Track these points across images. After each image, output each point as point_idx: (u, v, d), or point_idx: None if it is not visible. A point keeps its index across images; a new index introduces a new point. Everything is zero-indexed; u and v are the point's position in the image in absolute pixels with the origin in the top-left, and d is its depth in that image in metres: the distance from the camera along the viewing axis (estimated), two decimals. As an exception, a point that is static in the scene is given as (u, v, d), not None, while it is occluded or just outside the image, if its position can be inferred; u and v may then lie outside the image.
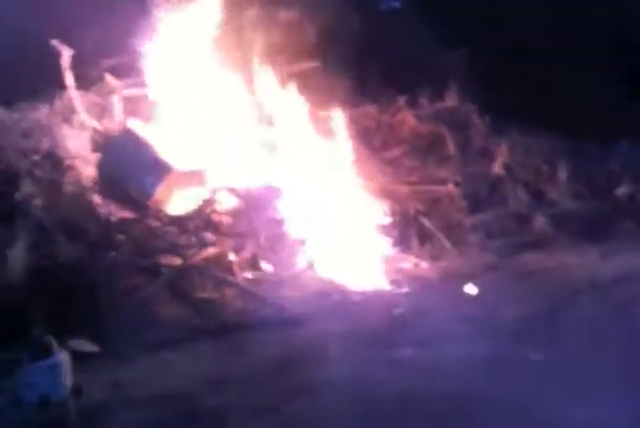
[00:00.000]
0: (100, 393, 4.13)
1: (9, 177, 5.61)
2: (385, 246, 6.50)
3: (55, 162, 5.98)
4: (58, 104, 6.71)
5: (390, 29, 10.50)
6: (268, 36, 8.44)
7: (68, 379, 4.11)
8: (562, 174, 7.67)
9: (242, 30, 7.91)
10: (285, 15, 9.76)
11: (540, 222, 7.00)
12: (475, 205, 7.38)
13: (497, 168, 7.69)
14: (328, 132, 7.76)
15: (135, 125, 6.59)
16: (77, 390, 4.08)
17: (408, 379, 3.87)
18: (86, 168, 6.09)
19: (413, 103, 8.39)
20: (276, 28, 9.59)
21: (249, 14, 8.27)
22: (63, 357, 4.16)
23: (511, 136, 8.11)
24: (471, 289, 5.65)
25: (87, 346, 4.81)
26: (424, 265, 6.38)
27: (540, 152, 8.03)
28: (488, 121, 8.22)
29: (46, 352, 4.13)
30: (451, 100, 8.34)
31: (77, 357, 4.38)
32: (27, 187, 5.56)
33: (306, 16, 9.89)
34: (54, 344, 4.19)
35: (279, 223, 6.16)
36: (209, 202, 6.08)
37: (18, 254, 5.03)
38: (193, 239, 5.84)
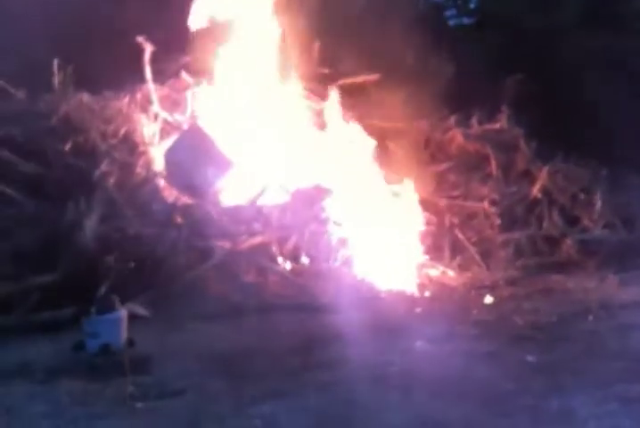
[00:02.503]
0: (149, 348, 4.93)
1: (90, 157, 6.51)
2: (418, 252, 7.22)
3: (131, 147, 6.88)
4: (137, 95, 7.64)
5: (452, 49, 11.20)
6: (331, 43, 9.27)
7: (124, 333, 4.99)
8: (598, 202, 8.24)
9: (304, 35, 8.72)
10: (349, 26, 10.58)
11: (568, 246, 7.60)
12: (510, 224, 8.02)
13: (536, 190, 8.32)
14: (380, 142, 8.55)
15: (203, 120, 7.46)
16: (130, 343, 4.95)
17: (413, 363, 4.58)
18: (157, 154, 6.98)
19: (464, 123, 9.09)
20: (339, 37, 10.40)
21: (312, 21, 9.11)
22: (123, 314, 5.03)
23: (553, 162, 8.71)
24: (488, 299, 6.31)
25: (141, 310, 5.65)
26: (451, 274, 7.07)
27: (580, 180, 8.62)
28: (534, 146, 8.86)
29: (110, 308, 5.01)
30: (501, 123, 9.00)
31: (132, 318, 5.24)
32: (104, 166, 6.44)
33: (368, 29, 10.70)
34: (117, 302, 5.06)
35: (323, 220, 6.92)
36: (261, 196, 6.86)
37: (92, 224, 5.90)
38: (244, 228, 6.65)
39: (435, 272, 7.06)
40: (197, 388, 4.19)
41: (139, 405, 3.98)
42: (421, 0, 17.83)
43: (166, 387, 4.27)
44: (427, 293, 6.59)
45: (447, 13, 17.91)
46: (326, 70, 8.92)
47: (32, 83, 7.15)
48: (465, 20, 17.69)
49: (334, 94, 8.57)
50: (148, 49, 7.80)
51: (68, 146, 6.41)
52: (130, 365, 4.55)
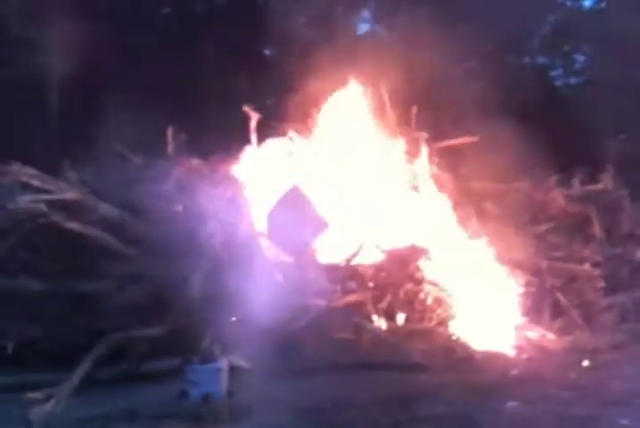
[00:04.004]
0: (247, 399, 5.30)
1: (198, 218, 7.12)
2: (517, 314, 7.31)
3: (236, 208, 7.47)
4: (242, 160, 8.29)
5: (556, 109, 11.41)
6: (432, 104, 9.69)
7: (225, 383, 5.40)
8: None
9: (403, 98, 9.18)
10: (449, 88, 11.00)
11: (676, 310, 7.48)
12: (614, 287, 7.98)
13: (642, 253, 8.28)
14: (480, 203, 8.80)
15: (302, 182, 7.98)
16: (230, 393, 5.35)
17: (502, 424, 4.73)
18: (260, 215, 7.54)
19: (565, 183, 9.20)
20: (439, 99, 10.82)
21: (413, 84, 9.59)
22: (224, 364, 5.46)
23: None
24: (587, 363, 6.32)
25: (241, 362, 6.06)
26: (551, 337, 7.09)
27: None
28: (640, 207, 8.85)
29: (212, 359, 5.45)
30: (604, 183, 9.04)
31: (232, 370, 5.65)
32: (211, 227, 7.03)
33: (470, 89, 11.09)
34: (219, 354, 5.50)
35: (419, 280, 7.18)
36: (357, 255, 7.23)
37: (199, 280, 6.44)
38: (339, 286, 7.01)
39: (534, 334, 7.11)
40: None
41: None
42: (526, 61, 18.20)
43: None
44: (524, 356, 6.65)
45: (553, 73, 18.15)
46: (425, 134, 9.28)
47: (149, 149, 7.98)
48: (572, 80, 17.85)
49: (432, 156, 8.97)
50: (254, 117, 8.49)
51: (179, 208, 7.06)
52: (229, 414, 4.96)
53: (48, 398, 5.21)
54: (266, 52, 17.35)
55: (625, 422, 4.67)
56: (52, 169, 6.92)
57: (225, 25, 12.07)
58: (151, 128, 8.42)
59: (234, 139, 8.51)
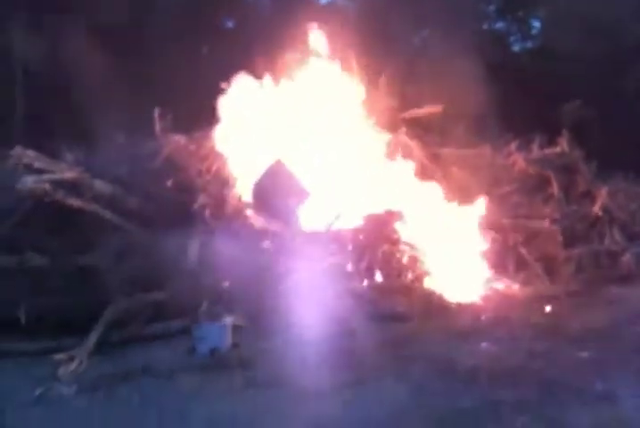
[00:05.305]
0: (250, 351, 6.00)
1: (190, 192, 7.70)
2: (484, 268, 8.10)
3: (222, 181, 8.06)
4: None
5: (510, 79, 12.10)
6: (397, 76, 10.30)
7: (230, 337, 6.09)
8: (657, 218, 8.96)
9: (366, 75, 9.76)
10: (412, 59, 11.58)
11: (628, 259, 8.34)
12: (572, 241, 8.81)
13: (597, 209, 9.10)
14: (447, 168, 9.53)
15: (284, 157, 8.58)
16: (235, 345, 6.05)
17: (480, 359, 5.51)
18: (246, 188, 8.14)
19: (525, 147, 9.97)
20: (404, 70, 11.39)
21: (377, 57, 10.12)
22: (228, 321, 6.14)
23: (613, 182, 9.48)
24: (548, 308, 7.14)
25: (238, 321, 6.72)
26: (515, 287, 7.90)
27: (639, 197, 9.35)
28: (594, 167, 9.65)
29: (216, 317, 6.14)
30: (561, 146, 9.82)
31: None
32: (201, 200, 7.62)
33: (432, 59, 11.69)
34: (222, 313, 6.18)
35: (395, 241, 7.90)
36: (337, 221, 7.90)
37: (194, 250, 7.05)
38: (322, 249, 7.67)
39: (500, 285, 7.91)
40: (297, 376, 5.22)
41: (250, 392, 5.04)
42: (484, 27, 18.80)
43: (270, 377, 5.31)
44: (492, 304, 7.44)
45: (511, 39, 18.86)
46: (393, 103, 9.89)
47: (137, 129, 8.49)
48: (529, 44, 18.59)
49: (402, 125, 9.63)
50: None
51: (170, 183, 7.63)
52: (236, 365, 5.66)
53: (70, 359, 5.86)
54: (228, 23, 17.61)
55: (584, 354, 5.47)
56: (48, 152, 7.42)
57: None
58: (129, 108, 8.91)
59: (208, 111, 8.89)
